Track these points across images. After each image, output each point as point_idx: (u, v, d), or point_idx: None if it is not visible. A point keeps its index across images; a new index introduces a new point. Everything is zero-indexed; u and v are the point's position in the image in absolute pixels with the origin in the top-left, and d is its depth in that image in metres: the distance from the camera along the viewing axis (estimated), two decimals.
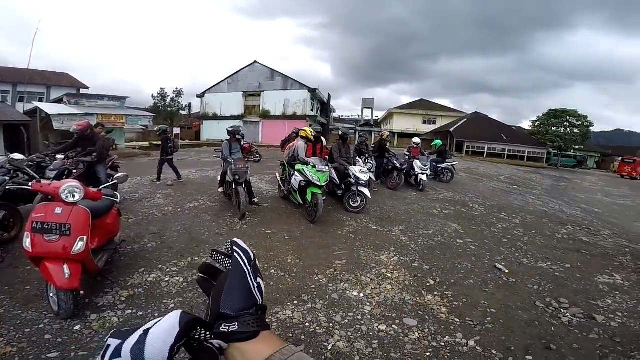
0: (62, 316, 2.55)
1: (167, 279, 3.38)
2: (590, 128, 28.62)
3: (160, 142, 8.32)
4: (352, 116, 52.36)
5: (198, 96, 30.69)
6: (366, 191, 6.23)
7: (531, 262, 4.79)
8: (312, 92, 27.43)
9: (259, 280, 0.45)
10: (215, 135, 25.70)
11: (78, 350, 2.30)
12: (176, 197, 6.62)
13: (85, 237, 2.53)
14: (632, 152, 35.22)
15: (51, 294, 2.55)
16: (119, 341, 0.33)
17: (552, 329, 3.09)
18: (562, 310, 3.45)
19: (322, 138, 6.94)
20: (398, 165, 8.73)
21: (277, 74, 28.38)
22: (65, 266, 2.42)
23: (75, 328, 2.52)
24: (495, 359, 2.61)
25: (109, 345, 0.33)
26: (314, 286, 3.49)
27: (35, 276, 3.15)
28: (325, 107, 32.98)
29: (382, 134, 9.65)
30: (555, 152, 29.86)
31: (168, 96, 34.31)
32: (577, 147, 30.32)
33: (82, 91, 25.06)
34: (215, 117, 28.76)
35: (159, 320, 0.36)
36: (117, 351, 0.33)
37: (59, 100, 18.64)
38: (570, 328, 3.13)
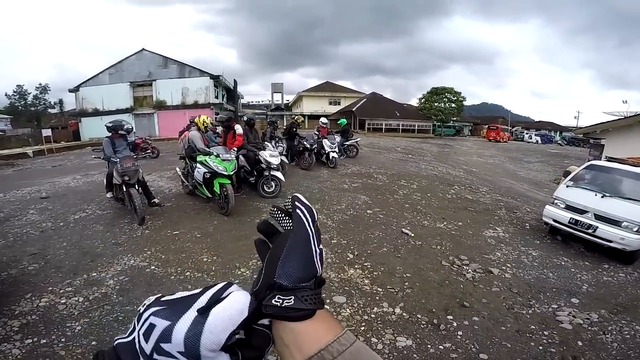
0: None
1: (63, 301, 3.00)
2: (464, 102, 33.73)
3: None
4: (262, 101, 51.40)
5: (70, 91, 25.61)
6: (279, 174, 6.11)
7: (431, 223, 5.36)
8: (215, 78, 25.64)
9: (320, 246, 0.38)
10: (98, 134, 21.78)
11: None
12: (55, 210, 5.45)
13: None
14: (494, 121, 44.57)
15: None
16: (166, 322, 0.27)
17: (461, 286, 3.47)
18: (465, 267, 3.91)
19: (237, 125, 6.48)
20: (308, 146, 9.00)
21: (171, 61, 25.58)
22: None
23: None
24: (422, 322, 2.79)
25: (152, 325, 0.27)
26: (237, 280, 3.28)
27: None
28: (232, 93, 31.20)
29: (297, 118, 10.03)
30: (439, 124, 34.46)
31: (29, 94, 28.44)
32: (455, 118, 35.56)
33: None
34: (97, 113, 24.40)
35: (214, 295, 0.30)
36: (166, 335, 0.27)
37: None
38: (475, 284, 3.55)
